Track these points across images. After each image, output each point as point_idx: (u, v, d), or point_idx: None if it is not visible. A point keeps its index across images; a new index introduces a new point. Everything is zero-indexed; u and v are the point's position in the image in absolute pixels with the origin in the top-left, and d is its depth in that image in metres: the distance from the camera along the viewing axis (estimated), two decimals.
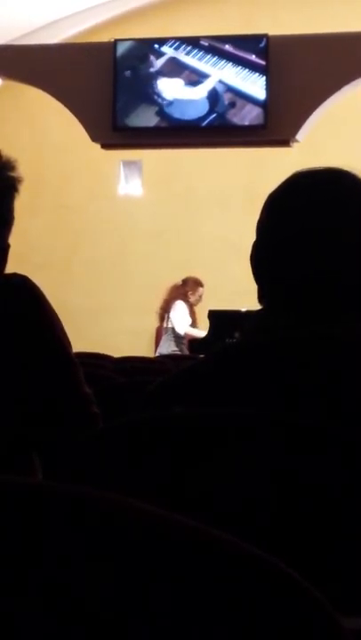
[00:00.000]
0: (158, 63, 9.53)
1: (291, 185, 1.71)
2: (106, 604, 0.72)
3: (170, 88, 9.46)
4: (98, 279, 12.63)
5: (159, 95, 9.45)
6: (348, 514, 1.25)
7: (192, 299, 10.28)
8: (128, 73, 9.51)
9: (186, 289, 10.32)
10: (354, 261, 1.64)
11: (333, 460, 1.27)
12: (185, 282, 10.37)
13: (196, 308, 10.38)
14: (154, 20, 11.96)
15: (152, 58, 9.54)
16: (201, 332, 10.09)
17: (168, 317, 10.25)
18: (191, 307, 10.33)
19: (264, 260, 1.70)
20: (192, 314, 10.33)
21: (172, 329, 10.20)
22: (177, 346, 10.13)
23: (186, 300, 10.26)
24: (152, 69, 9.51)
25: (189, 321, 10.25)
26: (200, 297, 10.35)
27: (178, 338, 10.18)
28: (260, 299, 1.70)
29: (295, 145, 9.40)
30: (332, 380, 1.51)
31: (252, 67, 9.29)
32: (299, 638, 0.72)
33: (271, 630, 0.72)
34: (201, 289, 10.34)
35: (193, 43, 9.51)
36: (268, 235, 1.70)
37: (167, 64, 9.52)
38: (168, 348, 10.10)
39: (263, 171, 10.71)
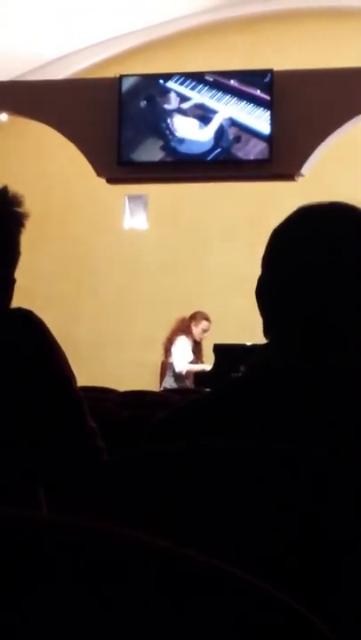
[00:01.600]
0: (164, 98, 9.59)
1: (294, 220, 1.72)
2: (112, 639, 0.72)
3: (183, 126, 9.51)
4: (103, 313, 12.64)
5: (170, 131, 9.49)
6: (351, 546, 1.25)
7: (195, 331, 10.12)
8: (135, 107, 9.56)
9: (190, 322, 10.20)
10: (358, 295, 1.64)
11: (335, 493, 1.27)
12: (192, 316, 10.24)
13: (203, 342, 10.26)
14: (159, 56, 12.04)
15: (158, 93, 9.60)
16: (201, 366, 10.00)
17: (171, 352, 10.15)
18: (195, 342, 10.19)
19: (269, 294, 1.71)
20: (197, 349, 10.19)
21: (173, 364, 10.11)
22: (176, 381, 10.01)
23: (188, 333, 10.13)
24: (167, 107, 9.55)
25: (190, 357, 10.08)
26: (203, 331, 10.17)
27: (178, 374, 10.06)
28: (266, 332, 1.71)
29: (300, 179, 9.43)
30: (336, 413, 1.51)
31: (257, 101, 9.35)
32: None
33: None
34: (205, 322, 10.15)
35: (198, 78, 9.57)
36: (272, 269, 1.71)
37: (172, 99, 9.58)
38: (171, 383, 10.00)
39: (268, 205, 10.74)
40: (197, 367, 10.00)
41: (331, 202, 1.73)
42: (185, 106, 9.52)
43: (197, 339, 10.17)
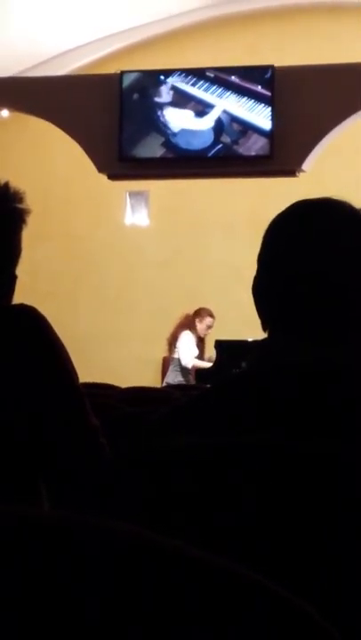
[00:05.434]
0: (165, 94, 9.58)
1: (286, 217, 1.72)
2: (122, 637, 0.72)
3: (177, 118, 9.52)
4: (104, 309, 12.64)
5: (166, 125, 9.50)
6: (351, 541, 1.25)
7: (199, 327, 10.12)
8: (135, 102, 9.55)
9: (194, 318, 10.21)
10: (353, 290, 1.64)
11: (335, 487, 1.27)
12: (196, 312, 10.24)
13: (206, 338, 10.26)
14: (160, 52, 12.03)
15: (158, 89, 9.60)
16: (206, 363, 10.01)
17: (175, 347, 10.15)
18: (199, 337, 10.19)
19: (265, 291, 1.71)
20: (200, 345, 10.20)
21: (178, 359, 10.10)
22: (183, 376, 10.02)
23: (193, 329, 10.13)
24: (159, 100, 9.57)
25: (195, 352, 10.11)
26: (207, 327, 10.17)
27: (184, 368, 10.08)
28: (264, 328, 1.71)
29: (301, 175, 9.42)
30: (335, 408, 1.51)
31: (258, 97, 9.34)
32: None
33: None
34: (209, 318, 10.15)
35: (199, 74, 9.57)
36: (267, 266, 1.71)
37: (173, 95, 9.57)
38: (174, 378, 10.01)
39: (269, 201, 10.69)
40: (204, 363, 10.00)
41: (322, 197, 1.73)
42: (180, 100, 9.52)
43: (201, 335, 10.18)
